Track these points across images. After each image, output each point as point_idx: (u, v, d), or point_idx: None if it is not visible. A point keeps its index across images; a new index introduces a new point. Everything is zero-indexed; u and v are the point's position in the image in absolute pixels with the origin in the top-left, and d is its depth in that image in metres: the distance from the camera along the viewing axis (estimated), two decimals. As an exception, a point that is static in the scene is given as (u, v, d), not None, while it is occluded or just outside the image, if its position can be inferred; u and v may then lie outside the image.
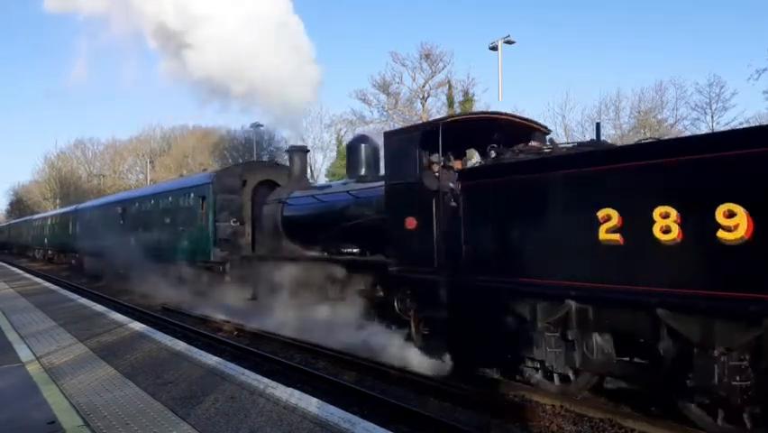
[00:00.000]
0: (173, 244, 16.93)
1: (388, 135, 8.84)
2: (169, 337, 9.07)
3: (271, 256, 12.22)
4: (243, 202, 14.02)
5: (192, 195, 16.01)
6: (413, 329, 8.28)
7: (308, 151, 14.43)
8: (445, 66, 40.14)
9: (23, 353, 7.96)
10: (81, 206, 31.39)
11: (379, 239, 8.78)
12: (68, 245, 31.76)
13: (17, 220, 61.15)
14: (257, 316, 11.90)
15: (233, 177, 14.40)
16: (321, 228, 10.70)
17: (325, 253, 10.82)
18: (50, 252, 38.41)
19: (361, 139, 11.79)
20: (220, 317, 12.89)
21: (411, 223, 7.88)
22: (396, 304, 8.56)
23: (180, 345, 8.30)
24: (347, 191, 10.30)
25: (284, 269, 11.37)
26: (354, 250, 10.18)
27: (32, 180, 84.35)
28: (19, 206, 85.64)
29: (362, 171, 10.92)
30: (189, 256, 15.75)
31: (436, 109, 40.67)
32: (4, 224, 72.96)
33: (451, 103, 39.11)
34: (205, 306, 14.01)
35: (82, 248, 27.82)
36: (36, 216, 48.70)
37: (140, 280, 18.64)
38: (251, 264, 12.91)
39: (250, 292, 12.71)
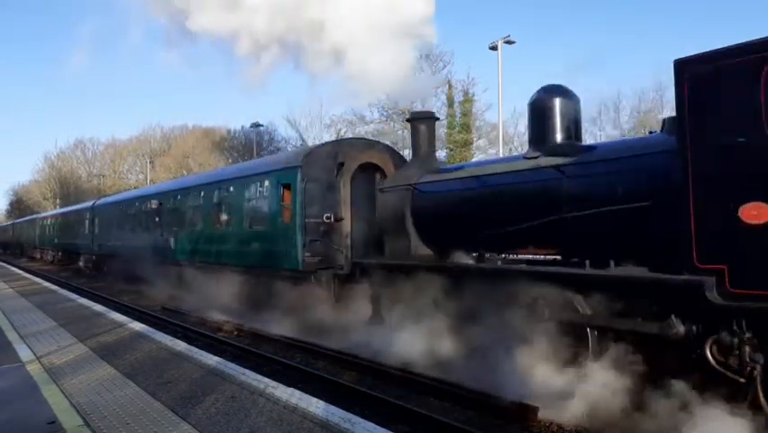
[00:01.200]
0: (237, 247, 13.52)
1: (689, 64, 5.36)
2: (170, 337, 9.08)
3: (431, 265, 8.82)
4: (342, 191, 10.93)
5: (267, 183, 12.59)
6: (759, 396, 5.03)
7: (438, 119, 10.97)
8: (445, 66, 40.12)
9: (24, 353, 7.97)
10: (101, 201, 27.94)
11: (614, 240, 6.28)
12: (82, 247, 28.42)
13: (22, 219, 58.71)
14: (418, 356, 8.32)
15: (326, 158, 11.23)
16: (488, 224, 7.77)
17: (500, 262, 7.69)
18: (60, 253, 35.01)
19: (554, 91, 7.78)
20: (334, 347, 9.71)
21: (761, 213, 4.92)
22: (708, 351, 5.36)
23: (180, 345, 8.30)
24: (552, 166, 7.10)
25: (453, 284, 8.13)
26: (549, 257, 7.21)
27: (32, 180, 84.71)
28: (19, 206, 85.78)
29: (558, 139, 7.59)
30: (263, 263, 12.47)
31: (436, 109, 40.70)
32: (8, 223, 72.41)
33: (451, 103, 39.03)
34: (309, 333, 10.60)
35: (100, 250, 25.07)
36: (44, 214, 46.18)
37: (174, 290, 16.35)
38: (375, 275, 9.75)
39: (367, 313, 9.92)
